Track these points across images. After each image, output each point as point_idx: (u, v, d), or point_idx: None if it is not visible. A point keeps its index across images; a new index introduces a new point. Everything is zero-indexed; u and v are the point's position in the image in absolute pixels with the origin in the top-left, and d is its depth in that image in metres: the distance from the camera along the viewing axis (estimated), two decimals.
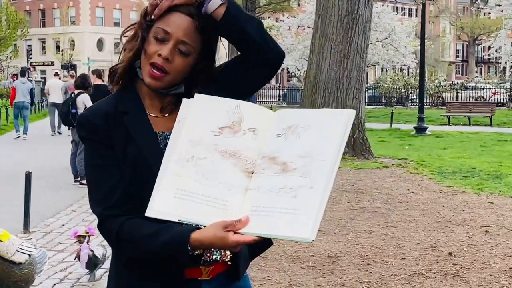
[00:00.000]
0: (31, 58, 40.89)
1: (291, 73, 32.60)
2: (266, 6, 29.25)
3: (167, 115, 1.26)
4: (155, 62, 1.21)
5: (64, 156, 8.20)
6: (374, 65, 30.40)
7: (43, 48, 46.54)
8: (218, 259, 1.24)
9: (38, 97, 21.00)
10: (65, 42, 41.67)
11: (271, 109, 1.28)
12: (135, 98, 1.26)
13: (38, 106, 21.02)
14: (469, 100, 23.58)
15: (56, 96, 12.61)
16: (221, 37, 1.29)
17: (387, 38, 24.89)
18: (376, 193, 6.44)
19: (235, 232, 1.10)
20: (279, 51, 1.28)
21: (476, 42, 51.38)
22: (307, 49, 15.14)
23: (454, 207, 5.75)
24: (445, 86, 26.50)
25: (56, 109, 12.17)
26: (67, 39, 42.17)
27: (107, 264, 3.51)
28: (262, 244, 1.19)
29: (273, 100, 27.55)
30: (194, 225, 1.15)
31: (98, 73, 8.28)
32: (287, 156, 1.13)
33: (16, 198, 5.50)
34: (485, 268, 3.87)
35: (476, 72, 52.47)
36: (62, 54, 39.49)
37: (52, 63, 43.12)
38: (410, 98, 25.78)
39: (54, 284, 3.71)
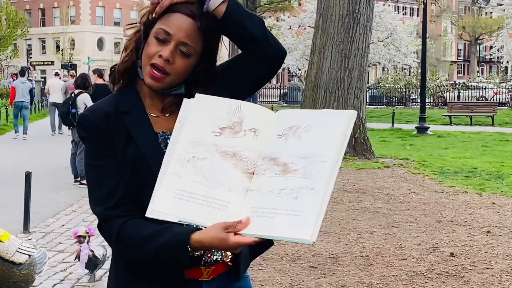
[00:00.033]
0: (31, 57, 40.94)
1: (292, 73, 32.58)
2: (267, 5, 29.27)
3: (167, 115, 1.25)
4: (156, 63, 1.21)
5: (64, 156, 8.20)
6: (376, 65, 30.39)
7: (43, 47, 46.54)
8: (219, 259, 1.23)
9: (38, 97, 21.01)
10: (65, 42, 41.67)
11: (272, 109, 1.27)
12: (135, 98, 1.25)
13: (38, 106, 21.05)
14: (471, 100, 23.56)
15: (56, 96, 12.65)
16: (222, 38, 1.29)
17: (388, 38, 24.86)
18: (377, 193, 6.42)
19: (235, 233, 1.10)
20: (281, 48, 1.28)
21: (478, 41, 51.33)
22: (308, 48, 15.11)
23: (455, 208, 5.73)
24: (446, 85, 26.45)
25: (56, 109, 12.19)
26: (67, 38, 42.17)
27: (107, 264, 3.50)
28: (263, 244, 1.18)
29: (274, 100, 27.54)
30: (194, 226, 1.15)
31: (99, 73, 8.28)
32: (288, 157, 1.12)
33: (16, 198, 5.50)
34: (487, 268, 3.86)
35: (478, 71, 52.42)
36: (62, 53, 39.48)
37: (52, 63, 43.14)
38: (411, 98, 25.78)
39: (54, 285, 3.71)
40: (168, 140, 1.20)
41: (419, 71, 20.46)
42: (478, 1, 52.71)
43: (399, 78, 26.91)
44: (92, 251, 3.58)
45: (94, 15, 45.69)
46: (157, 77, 1.21)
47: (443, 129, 14.76)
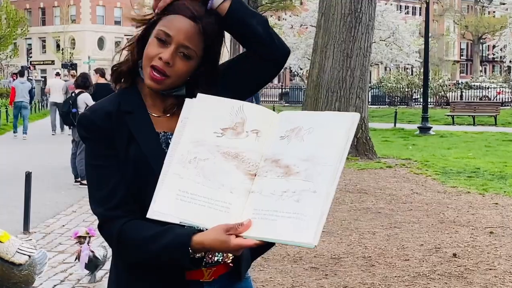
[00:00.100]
0: (31, 57, 40.94)
1: (293, 72, 32.57)
2: (269, 4, 29.28)
3: (169, 115, 1.25)
4: (156, 65, 1.20)
5: (64, 156, 8.20)
6: (378, 64, 30.36)
7: (43, 47, 46.57)
8: (220, 260, 1.23)
9: (38, 96, 21.05)
10: (65, 41, 41.69)
11: (273, 109, 1.26)
12: (137, 98, 1.25)
13: (38, 106, 21.08)
14: (474, 99, 23.49)
15: (57, 96, 12.70)
16: (225, 40, 1.28)
17: (390, 37, 24.82)
18: (379, 193, 6.40)
19: (237, 236, 1.09)
20: (285, 47, 1.28)
21: (481, 41, 51.25)
22: (310, 48, 15.10)
23: (458, 208, 5.71)
24: (449, 85, 26.39)
25: (57, 109, 12.22)
26: (68, 37, 42.17)
27: (107, 265, 3.48)
28: (264, 245, 1.17)
29: (275, 100, 27.52)
30: (195, 228, 1.14)
31: (101, 72, 8.27)
32: (290, 159, 1.12)
33: (16, 198, 5.49)
34: (490, 269, 3.83)
35: (481, 71, 52.30)
36: (63, 53, 39.50)
37: (53, 62, 43.18)
38: (414, 97, 25.72)
39: (55, 285, 3.70)
40: (169, 140, 1.20)
41: (422, 70, 20.40)
42: (481, 0, 52.62)
43: (401, 77, 26.85)
44: (92, 251, 3.57)
45: (94, 14, 45.69)
46: (157, 79, 1.20)
47: (446, 129, 14.73)
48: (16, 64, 35.25)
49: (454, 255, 4.13)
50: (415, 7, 54.01)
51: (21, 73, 13.88)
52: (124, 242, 1.17)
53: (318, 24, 9.49)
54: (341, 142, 1.10)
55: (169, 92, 1.24)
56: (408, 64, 29.24)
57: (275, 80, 34.29)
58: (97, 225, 1.23)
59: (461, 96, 24.88)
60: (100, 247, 3.71)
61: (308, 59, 19.84)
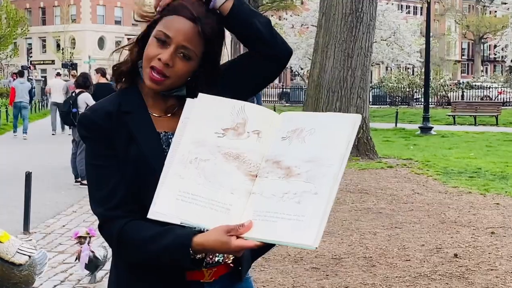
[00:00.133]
0: (31, 56, 40.85)
1: (294, 72, 32.54)
2: (269, 4, 29.26)
3: (170, 115, 1.25)
4: (155, 66, 1.20)
5: (64, 156, 8.20)
6: (379, 64, 30.32)
7: (44, 46, 46.51)
8: (221, 261, 1.23)
9: (38, 96, 21.03)
10: (65, 41, 41.64)
11: (274, 109, 1.25)
12: (138, 98, 1.25)
13: (39, 105, 21.07)
14: (475, 99, 23.45)
15: (58, 96, 12.73)
16: (225, 41, 1.28)
17: (391, 37, 24.79)
18: (380, 193, 6.39)
19: (237, 237, 1.09)
20: (287, 47, 1.29)
21: (482, 40, 51.17)
22: (311, 47, 15.09)
23: (459, 208, 5.69)
24: (450, 85, 26.35)
25: (57, 109, 12.24)
26: (68, 37, 42.13)
27: (108, 265, 3.48)
28: (265, 245, 1.17)
29: (275, 100, 27.48)
30: (196, 228, 1.14)
31: (102, 72, 8.28)
32: (292, 160, 1.11)
33: (16, 198, 5.49)
34: (491, 270, 3.82)
35: (482, 71, 52.25)
36: (63, 52, 39.48)
37: (53, 62, 43.16)
38: (415, 97, 25.68)
39: (55, 286, 3.70)
40: (170, 140, 1.19)
41: (423, 70, 20.38)
42: (483, 0, 52.55)
43: (403, 77, 26.81)
44: (92, 252, 3.56)
45: (95, 14, 45.64)
46: (156, 79, 1.20)
47: (447, 129, 14.71)
48: (16, 64, 35.20)
49: (455, 255, 4.12)
50: (416, 7, 53.95)
51: (20, 74, 13.92)
52: (124, 242, 1.17)
53: (319, 24, 9.48)
54: (343, 144, 1.10)
55: (170, 93, 1.24)
56: (409, 64, 29.21)
57: (276, 80, 34.21)
58: (97, 225, 1.23)
59: (463, 96, 24.85)
60: (101, 247, 3.71)
61: (309, 58, 19.82)
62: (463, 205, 5.82)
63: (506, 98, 24.44)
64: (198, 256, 1.15)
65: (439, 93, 24.96)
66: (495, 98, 24.44)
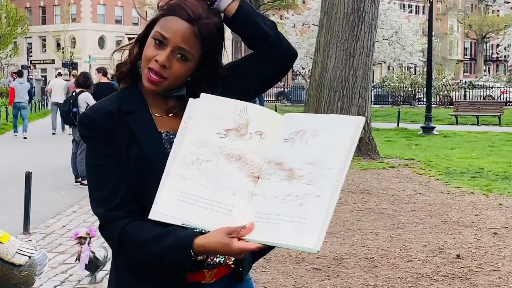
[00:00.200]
0: (31, 56, 40.83)
1: (296, 72, 32.52)
2: (271, 3, 29.21)
3: (171, 115, 1.25)
4: (152, 67, 1.20)
5: (64, 156, 8.20)
6: (381, 64, 30.29)
7: (44, 46, 46.45)
8: (222, 262, 1.23)
9: (38, 96, 21.03)
10: (66, 40, 41.60)
11: (275, 109, 1.23)
12: (139, 98, 1.25)
13: (39, 105, 21.07)
14: (477, 99, 23.41)
15: (58, 96, 12.76)
16: (225, 42, 1.28)
17: (393, 36, 24.76)
18: (382, 194, 6.37)
19: (239, 239, 1.08)
20: (292, 49, 1.30)
21: (485, 40, 51.08)
22: (312, 47, 15.09)
23: (462, 209, 5.67)
24: (452, 84, 26.30)
25: (58, 109, 12.25)
26: (68, 36, 42.08)
27: (108, 266, 3.46)
28: (266, 246, 1.17)
29: (275, 99, 27.42)
30: (197, 229, 1.13)
31: (104, 71, 8.27)
32: (294, 162, 1.11)
33: (16, 198, 5.48)
34: (494, 270, 3.80)
35: (485, 70, 52.15)
36: (63, 52, 39.48)
37: (53, 61, 43.16)
38: (417, 97, 25.65)
39: (55, 286, 3.69)
40: (172, 140, 1.19)
41: (425, 70, 20.35)
42: None
43: (405, 77, 26.77)
44: (93, 252, 3.55)
45: (95, 13, 45.61)
46: (154, 80, 1.20)
47: (449, 129, 14.67)
48: (16, 63, 35.17)
49: (458, 256, 4.10)
50: (419, 6, 53.85)
51: (19, 74, 13.94)
52: (125, 243, 1.17)
53: (320, 23, 9.45)
54: (346, 147, 1.09)
55: (169, 93, 1.24)
56: (411, 64, 29.17)
57: None
58: (98, 226, 1.22)
59: (465, 95, 24.80)
60: (101, 247, 3.70)
61: (311, 58, 19.82)
62: (465, 206, 5.80)
63: (509, 98, 24.37)
64: (199, 257, 1.15)
65: (441, 93, 24.92)
66: (498, 97, 24.38)
